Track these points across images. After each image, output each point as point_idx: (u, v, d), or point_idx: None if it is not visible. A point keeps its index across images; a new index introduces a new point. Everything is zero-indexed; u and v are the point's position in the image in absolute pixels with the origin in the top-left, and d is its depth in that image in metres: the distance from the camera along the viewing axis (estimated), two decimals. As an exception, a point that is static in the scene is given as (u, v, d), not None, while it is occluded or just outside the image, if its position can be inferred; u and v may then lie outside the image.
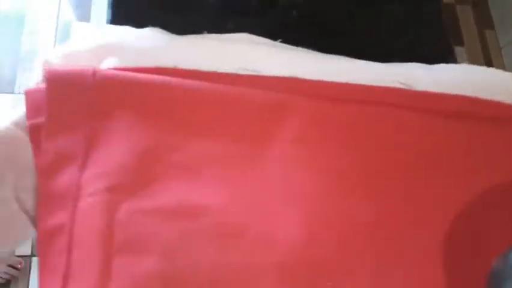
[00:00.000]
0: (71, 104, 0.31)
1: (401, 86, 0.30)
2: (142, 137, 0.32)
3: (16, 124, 0.31)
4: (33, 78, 1.17)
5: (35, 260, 1.04)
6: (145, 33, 0.30)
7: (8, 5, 1.31)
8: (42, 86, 0.34)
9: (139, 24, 0.29)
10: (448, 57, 0.34)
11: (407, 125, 0.32)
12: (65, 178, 0.31)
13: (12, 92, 1.22)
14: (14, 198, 0.30)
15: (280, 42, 0.31)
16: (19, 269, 1.00)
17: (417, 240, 0.33)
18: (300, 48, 0.31)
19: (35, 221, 0.32)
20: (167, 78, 0.28)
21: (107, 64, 0.31)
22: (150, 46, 0.29)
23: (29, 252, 1.04)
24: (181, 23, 0.29)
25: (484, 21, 1.65)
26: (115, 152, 0.32)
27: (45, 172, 0.30)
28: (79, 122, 0.31)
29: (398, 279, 0.33)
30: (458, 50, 1.60)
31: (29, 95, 0.33)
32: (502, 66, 1.59)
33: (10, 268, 0.99)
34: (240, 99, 0.29)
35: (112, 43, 0.31)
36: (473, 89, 0.33)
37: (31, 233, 0.33)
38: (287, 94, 0.29)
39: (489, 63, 1.60)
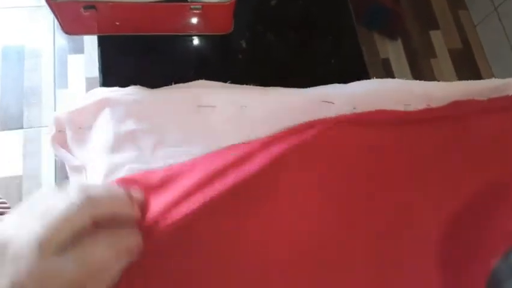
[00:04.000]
0: None
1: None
2: None
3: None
4: (38, 113, 1.24)
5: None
6: (128, 90, 0.40)
7: (7, 44, 1.39)
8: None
9: (125, 83, 0.39)
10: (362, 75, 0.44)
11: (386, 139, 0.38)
12: None
13: (21, 127, 1.29)
14: None
15: (230, 83, 0.40)
16: None
17: (414, 239, 0.36)
18: (245, 86, 0.41)
19: None
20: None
21: (104, 115, 0.39)
22: (134, 99, 0.39)
23: None
24: (156, 78, 0.39)
25: (457, 2, 1.71)
26: None
27: None
28: None
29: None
30: (434, 34, 1.67)
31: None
32: (478, 44, 1.65)
33: None
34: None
35: (105, 99, 0.39)
36: (384, 97, 0.41)
37: None
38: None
39: (465, 42, 1.65)
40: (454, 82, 0.43)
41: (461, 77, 1.59)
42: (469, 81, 0.45)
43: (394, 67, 1.57)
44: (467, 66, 1.62)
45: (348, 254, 0.35)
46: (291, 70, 0.44)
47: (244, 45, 0.44)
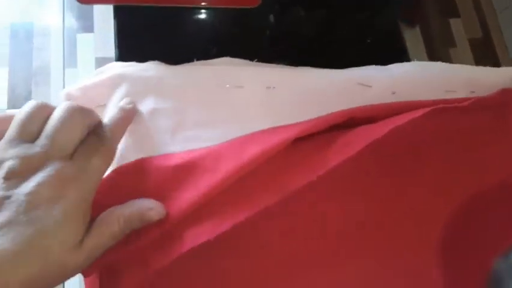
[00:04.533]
0: None
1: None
2: None
3: None
4: (46, 93, 1.22)
5: None
6: (146, 66, 0.37)
7: (16, 21, 1.36)
8: None
9: (143, 58, 0.36)
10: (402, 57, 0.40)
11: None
12: None
13: (29, 107, 1.27)
14: None
15: (256, 61, 0.37)
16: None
17: (414, 238, 0.34)
18: (272, 64, 0.37)
19: None
20: None
21: (119, 91, 0.36)
22: (152, 76, 0.36)
23: None
24: (176, 54, 0.35)
25: (479, -11, 1.65)
26: None
27: None
28: None
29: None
30: (455, 22, 1.61)
31: None
32: (499, 32, 1.59)
33: None
34: None
35: (121, 74, 0.36)
36: (426, 82, 0.38)
37: None
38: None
39: (486, 31, 1.60)
40: (498, 68, 0.40)
41: (480, 68, 1.53)
42: None
43: (411, 55, 1.52)
44: (487, 57, 1.57)
45: (347, 253, 0.33)
46: (323, 48, 0.40)
47: (272, 20, 0.40)
